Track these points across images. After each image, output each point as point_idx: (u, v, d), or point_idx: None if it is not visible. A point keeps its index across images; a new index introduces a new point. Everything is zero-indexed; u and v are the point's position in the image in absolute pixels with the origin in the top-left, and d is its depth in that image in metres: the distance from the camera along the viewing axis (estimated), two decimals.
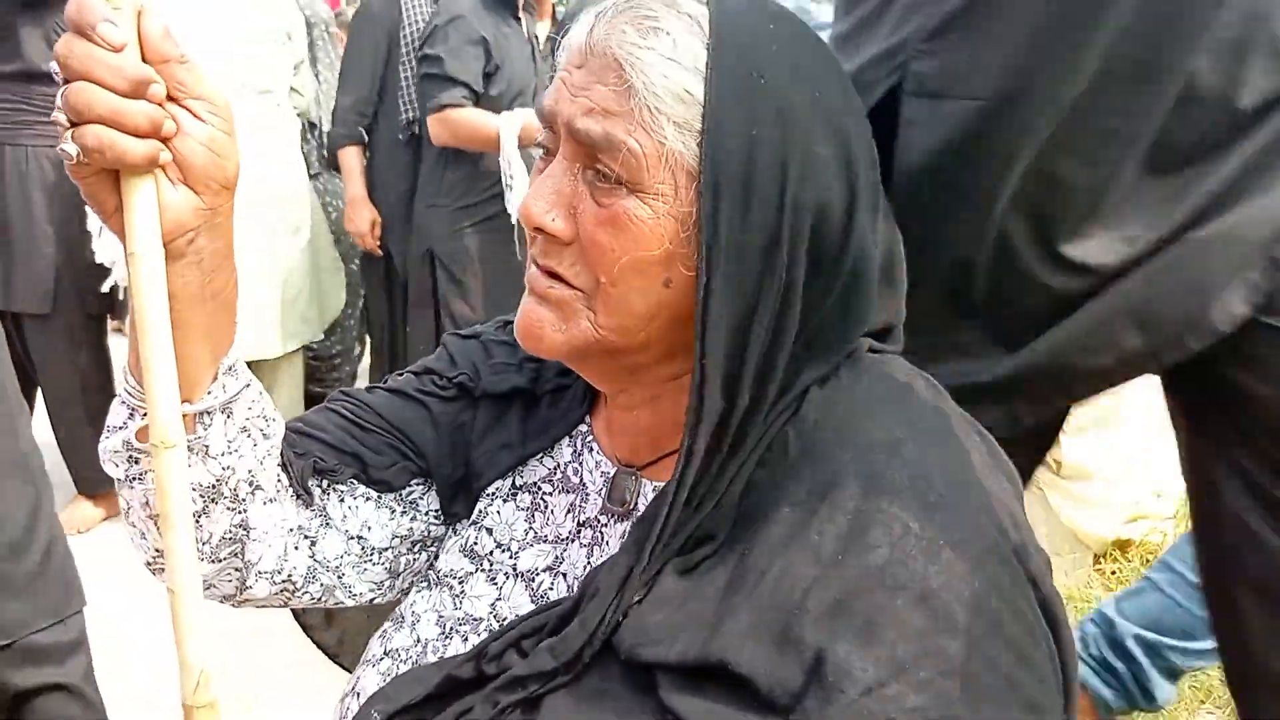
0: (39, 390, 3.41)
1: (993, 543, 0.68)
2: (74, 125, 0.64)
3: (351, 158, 3.57)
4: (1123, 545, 2.55)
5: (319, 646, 1.10)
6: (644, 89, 0.69)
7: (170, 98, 0.67)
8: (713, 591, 0.70)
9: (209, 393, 0.77)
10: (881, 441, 0.71)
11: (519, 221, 0.78)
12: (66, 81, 0.64)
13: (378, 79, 3.52)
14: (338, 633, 1.10)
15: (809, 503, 0.70)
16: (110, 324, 3.70)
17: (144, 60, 0.65)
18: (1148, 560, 2.48)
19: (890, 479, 0.69)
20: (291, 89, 3.47)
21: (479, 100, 3.08)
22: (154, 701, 2.51)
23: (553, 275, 0.75)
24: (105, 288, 3.31)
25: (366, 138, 3.58)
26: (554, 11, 3.51)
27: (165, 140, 0.67)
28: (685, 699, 0.67)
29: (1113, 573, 2.47)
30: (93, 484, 3.37)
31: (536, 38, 3.30)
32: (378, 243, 3.55)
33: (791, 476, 0.72)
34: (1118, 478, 2.49)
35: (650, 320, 0.73)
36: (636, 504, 0.82)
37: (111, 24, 0.63)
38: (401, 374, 0.97)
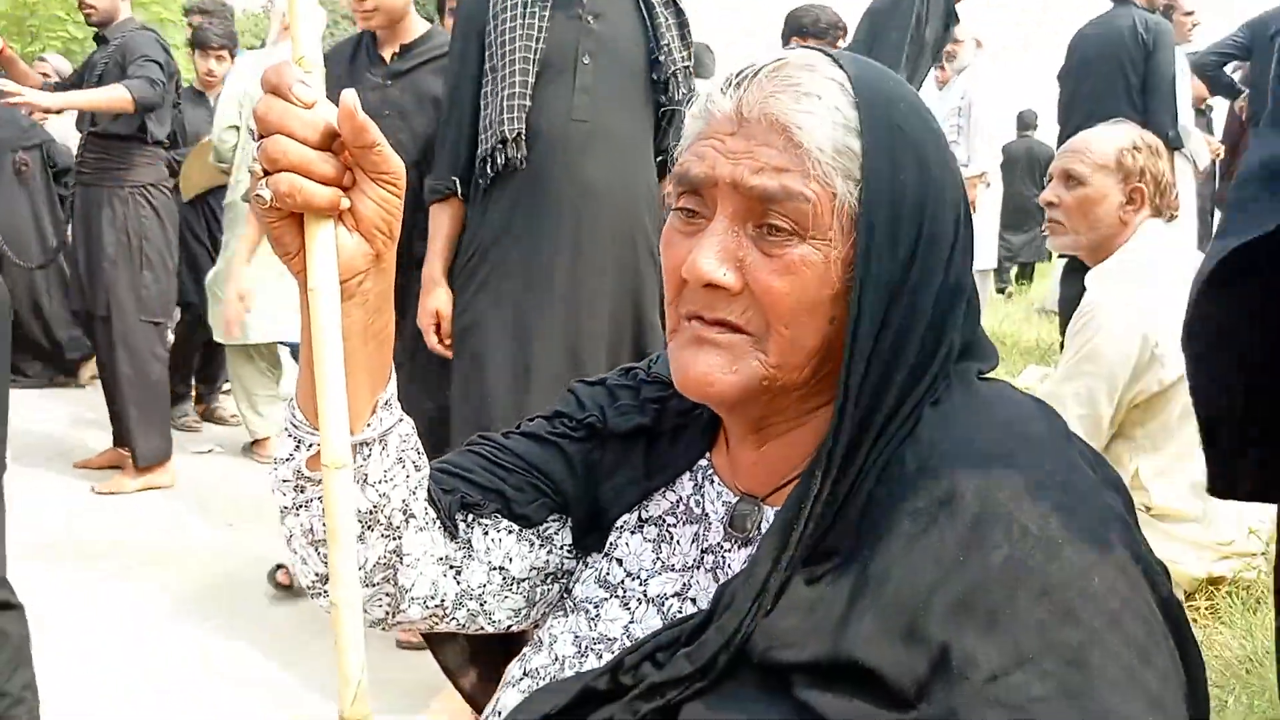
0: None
1: (1108, 546, 0.71)
2: (268, 173, 0.73)
3: (441, 219, 2.50)
4: (1215, 582, 2.53)
5: (455, 684, 1.17)
6: (814, 147, 0.77)
7: (361, 169, 0.76)
8: (839, 598, 0.74)
9: (368, 425, 0.85)
10: (997, 454, 0.76)
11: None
12: (263, 136, 0.73)
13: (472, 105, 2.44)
14: (462, 656, 1.17)
15: (929, 511, 0.74)
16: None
17: (342, 146, 0.75)
18: (1241, 597, 2.45)
19: (1007, 487, 0.73)
20: None
21: None
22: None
23: (721, 324, 0.81)
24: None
25: (460, 188, 2.47)
26: None
27: (345, 190, 0.76)
28: (819, 695, 0.71)
29: (1207, 609, 2.45)
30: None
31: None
32: (446, 342, 2.49)
33: (910, 491, 0.76)
34: (1210, 517, 2.47)
35: (814, 355, 0.80)
36: (760, 530, 0.88)
37: (305, 84, 0.73)
38: (533, 419, 1.05)
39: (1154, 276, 2.43)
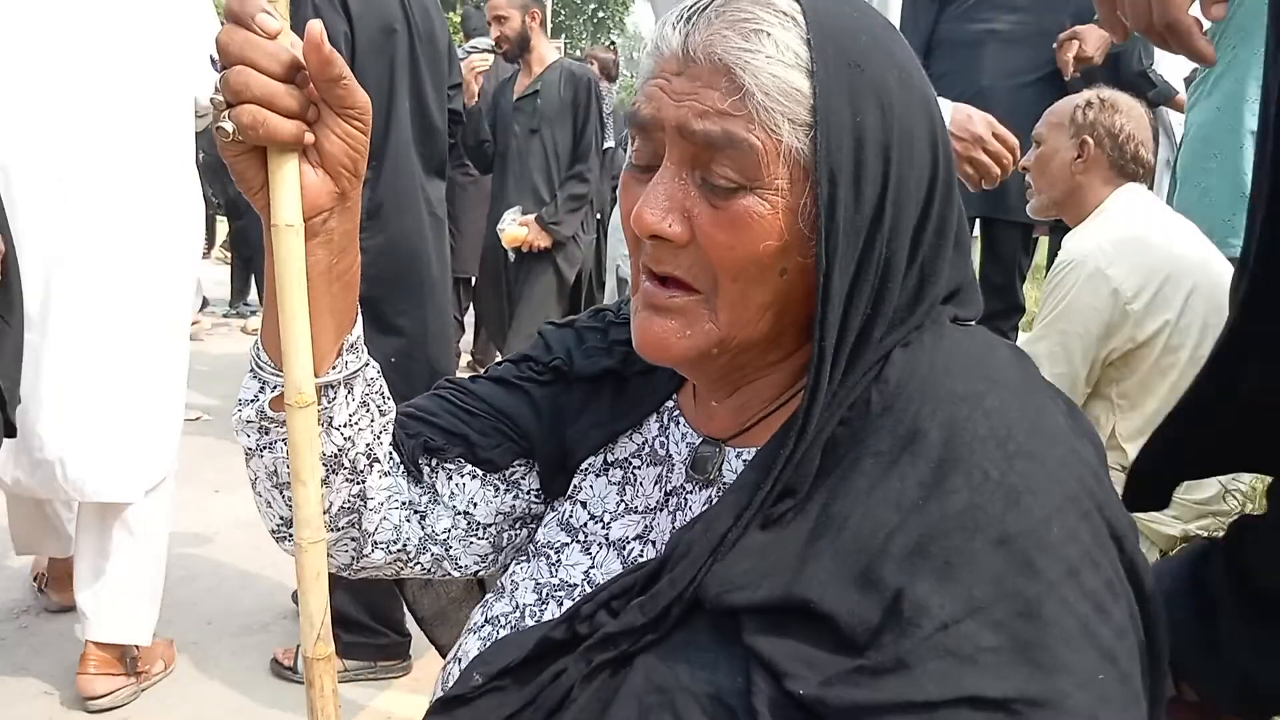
0: None
1: (1073, 494, 0.69)
2: (230, 106, 0.72)
3: None
4: (1191, 541, 2.54)
5: (414, 617, 1.18)
6: (758, 90, 0.72)
7: (326, 104, 0.75)
8: (796, 540, 0.73)
9: (333, 367, 0.85)
10: (963, 394, 0.73)
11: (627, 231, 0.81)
12: (225, 67, 0.72)
13: None
14: (436, 606, 1.18)
15: (891, 453, 0.72)
16: None
17: (307, 80, 0.74)
18: None
19: (971, 429, 0.71)
20: None
21: None
22: None
23: (669, 281, 0.79)
24: None
25: None
26: None
27: (310, 125, 0.75)
28: (769, 640, 0.70)
29: None
30: None
31: None
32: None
33: (873, 431, 0.74)
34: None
35: (767, 310, 0.78)
36: (720, 472, 0.87)
37: (269, 14, 0.72)
38: (501, 363, 1.04)
39: (1128, 236, 2.43)
